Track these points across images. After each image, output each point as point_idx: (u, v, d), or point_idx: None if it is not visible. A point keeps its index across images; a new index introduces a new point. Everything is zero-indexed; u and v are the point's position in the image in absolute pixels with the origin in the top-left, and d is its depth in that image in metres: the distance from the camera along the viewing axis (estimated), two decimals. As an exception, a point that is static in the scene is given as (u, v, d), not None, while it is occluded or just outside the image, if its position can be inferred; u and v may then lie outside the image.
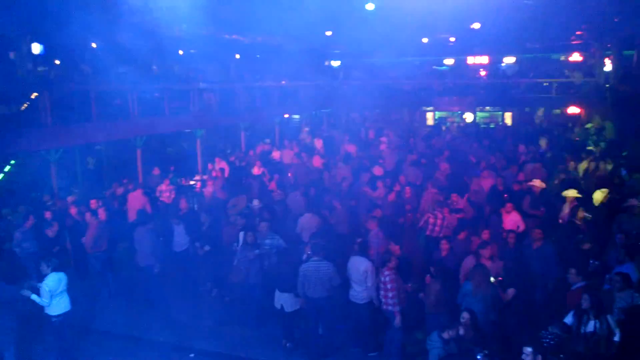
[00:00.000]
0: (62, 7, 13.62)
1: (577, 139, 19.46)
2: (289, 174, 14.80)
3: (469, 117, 25.88)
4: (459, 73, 28.91)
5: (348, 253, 8.32)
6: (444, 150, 17.01)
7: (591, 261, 8.20)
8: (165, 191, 13.44)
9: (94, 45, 18.31)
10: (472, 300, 7.08)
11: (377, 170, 14.25)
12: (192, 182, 15.54)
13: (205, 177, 15.18)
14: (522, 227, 9.84)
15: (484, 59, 29.24)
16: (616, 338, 6.14)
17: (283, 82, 23.52)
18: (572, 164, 14.18)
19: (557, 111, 23.89)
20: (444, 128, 24.12)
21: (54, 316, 7.47)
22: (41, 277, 7.46)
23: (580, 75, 22.51)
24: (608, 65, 22.39)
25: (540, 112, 24.97)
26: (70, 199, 11.95)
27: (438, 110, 27.05)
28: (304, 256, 8.15)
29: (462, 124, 24.92)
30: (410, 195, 11.90)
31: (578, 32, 23.71)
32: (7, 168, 15.09)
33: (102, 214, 10.24)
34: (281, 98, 22.29)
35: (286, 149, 18.02)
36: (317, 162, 16.13)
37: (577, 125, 21.79)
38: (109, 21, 15.09)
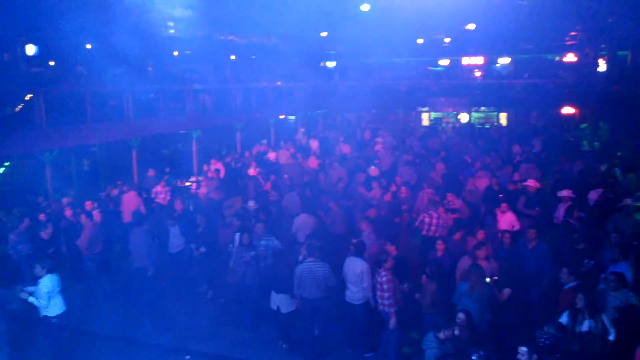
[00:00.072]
0: (57, 8, 13.60)
1: (571, 139, 19.55)
2: (285, 175, 14.79)
3: (464, 117, 25.94)
4: (454, 74, 28.99)
5: (344, 254, 8.31)
6: (439, 150, 17.04)
7: (586, 261, 8.23)
8: (160, 192, 13.41)
9: (88, 46, 18.27)
10: (467, 300, 7.09)
11: (373, 171, 14.27)
12: (187, 184, 15.51)
13: (201, 178, 15.15)
14: (517, 227, 9.87)
15: (479, 60, 29.34)
16: (611, 337, 6.17)
17: (278, 82, 23.52)
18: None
19: (552, 111, 23.97)
20: (440, 128, 24.18)
21: (53, 317, 7.46)
22: (35, 280, 7.43)
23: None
24: (602, 66, 22.50)
25: (534, 112, 25.06)
26: (65, 200, 11.90)
27: (433, 111, 27.10)
28: (300, 257, 8.15)
29: (457, 125, 24.98)
30: (406, 195, 11.92)
31: (572, 33, 23.86)
32: (1, 170, 15.03)
33: (97, 215, 10.21)
34: (277, 99, 22.27)
35: (282, 149, 18.01)
36: (312, 163, 16.13)
37: (572, 125, 21.91)
38: (104, 22, 15.07)
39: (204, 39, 20.78)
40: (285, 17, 17.32)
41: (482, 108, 26.46)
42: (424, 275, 7.64)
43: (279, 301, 8.04)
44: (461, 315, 6.37)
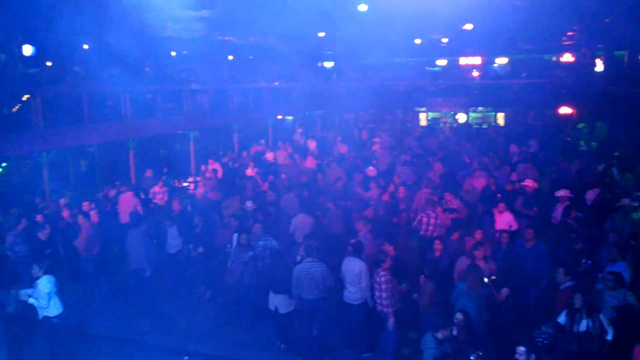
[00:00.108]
0: (54, 8, 13.57)
1: (569, 139, 19.59)
2: (282, 175, 14.78)
3: (461, 117, 25.96)
4: (452, 74, 29.02)
5: (342, 254, 8.31)
6: (437, 150, 17.06)
7: (583, 260, 8.25)
8: (158, 193, 13.39)
9: (85, 46, 18.24)
10: (465, 300, 7.10)
11: (371, 171, 14.28)
12: (185, 184, 15.49)
13: (199, 178, 15.13)
14: (514, 227, 9.88)
15: (476, 60, 29.37)
16: (609, 337, 6.18)
17: (276, 83, 23.51)
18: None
19: (550, 111, 24.01)
20: (438, 128, 24.21)
21: (54, 317, 7.47)
22: (32, 280, 7.42)
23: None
24: (599, 66, 22.55)
25: (532, 112, 25.11)
26: (62, 201, 11.88)
27: (431, 111, 27.11)
28: (298, 257, 8.14)
29: (455, 125, 25.01)
30: (404, 195, 11.93)
31: (570, 33, 23.89)
32: (-2, 170, 14.99)
33: (94, 216, 10.18)
34: (274, 99, 22.26)
35: (280, 149, 18.01)
36: (310, 163, 16.13)
37: (569, 125, 21.94)
38: (101, 22, 15.04)
39: (201, 39, 20.75)
40: (283, 18, 17.32)
41: (480, 108, 26.47)
42: (422, 276, 7.64)
43: (277, 301, 8.04)
44: (459, 316, 6.38)
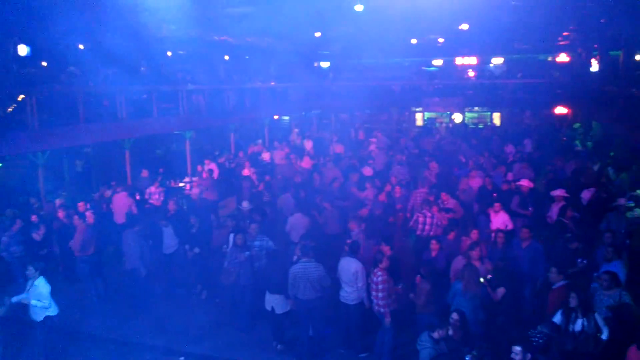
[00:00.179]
0: (49, 8, 13.51)
1: (564, 138, 19.64)
2: (278, 176, 14.79)
3: (457, 117, 26.01)
4: (448, 74, 29.06)
5: (338, 254, 8.31)
6: (433, 150, 17.09)
7: (579, 260, 8.28)
8: (154, 193, 13.38)
9: (81, 46, 18.17)
10: (461, 299, 7.11)
11: (367, 171, 14.29)
12: (181, 184, 15.47)
13: (195, 179, 15.12)
14: (510, 227, 9.90)
15: (472, 60, 29.42)
16: (604, 336, 6.19)
17: (272, 83, 23.49)
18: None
19: (545, 111, 24.09)
20: (434, 128, 24.26)
21: (55, 316, 7.53)
22: (27, 281, 7.40)
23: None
24: (595, 66, 22.61)
25: (528, 112, 25.18)
26: (58, 202, 11.85)
27: (427, 111, 27.15)
28: (294, 257, 8.14)
29: (451, 125, 25.06)
30: (400, 195, 11.95)
31: (565, 33, 23.94)
32: (-7, 171, 14.93)
33: (90, 217, 10.16)
34: (271, 99, 22.25)
35: (277, 150, 18.01)
36: (306, 163, 16.13)
37: (565, 125, 22.01)
38: (97, 22, 14.99)
39: (197, 39, 20.69)
40: (279, 17, 17.29)
41: (476, 108, 26.54)
42: (418, 275, 7.64)
43: (274, 302, 8.03)
44: (455, 315, 6.39)
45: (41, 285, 7.38)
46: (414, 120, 27.82)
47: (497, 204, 10.28)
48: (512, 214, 10.54)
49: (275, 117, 24.33)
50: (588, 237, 9.06)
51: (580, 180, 12.53)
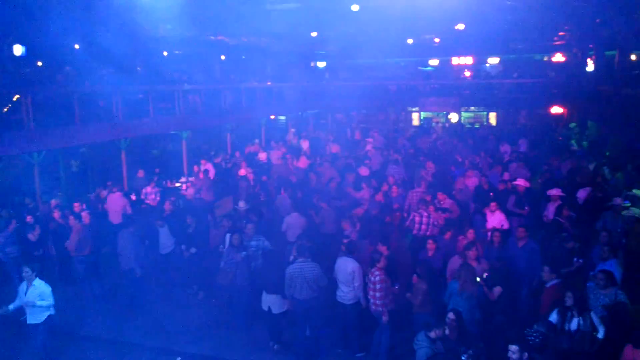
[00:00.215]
0: (44, 8, 13.47)
1: (560, 138, 19.71)
2: (274, 175, 14.78)
3: (454, 117, 26.07)
4: (444, 73, 29.14)
5: (335, 254, 8.30)
6: (428, 150, 17.12)
7: (575, 259, 8.30)
8: (150, 193, 13.35)
9: (76, 46, 18.13)
10: (458, 299, 7.12)
11: (363, 171, 14.30)
12: (177, 184, 15.44)
13: (191, 179, 15.10)
14: (506, 226, 9.92)
15: (468, 60, 29.50)
16: (600, 335, 6.21)
17: (269, 83, 23.49)
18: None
19: (541, 111, 24.17)
20: (430, 128, 24.31)
21: (54, 316, 7.52)
22: (24, 282, 7.38)
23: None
24: (590, 66, 22.70)
25: (523, 112, 25.28)
26: (53, 202, 11.80)
27: (423, 111, 27.21)
28: (291, 257, 8.13)
29: (447, 124, 25.11)
30: (397, 194, 11.95)
31: (561, 33, 24.04)
32: (-12, 171, 14.86)
33: (85, 217, 10.12)
34: (267, 99, 22.25)
35: (274, 150, 18.01)
36: (303, 163, 16.13)
37: (561, 124, 22.08)
38: (92, 22, 14.95)
39: (193, 39, 20.69)
40: (275, 17, 17.30)
41: (472, 108, 26.61)
42: (415, 275, 7.65)
43: (271, 302, 8.02)
44: (451, 315, 6.39)
45: (42, 285, 7.39)
46: (411, 120, 27.87)
47: (493, 204, 10.30)
48: (509, 214, 10.56)
49: (272, 117, 24.33)
50: (584, 237, 9.08)
51: (576, 180, 12.57)
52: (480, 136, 20.86)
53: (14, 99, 12.26)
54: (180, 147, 16.82)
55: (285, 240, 9.98)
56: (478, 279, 7.33)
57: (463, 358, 5.63)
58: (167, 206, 10.82)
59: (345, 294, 7.71)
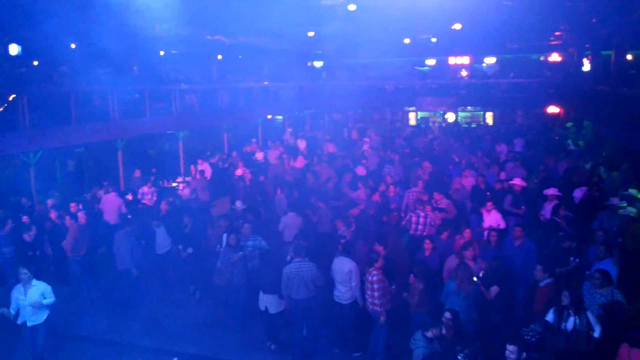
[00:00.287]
0: (40, 7, 13.43)
1: (557, 138, 19.74)
2: (270, 175, 14.77)
3: (450, 117, 26.10)
4: (441, 73, 29.17)
5: (332, 253, 8.30)
6: (426, 149, 17.13)
7: (571, 258, 8.32)
8: (147, 193, 13.32)
9: (72, 46, 18.08)
10: (455, 298, 7.12)
11: (360, 171, 14.30)
12: (174, 184, 15.42)
13: (188, 179, 15.08)
14: (502, 226, 9.94)
15: (465, 60, 29.53)
16: (596, 334, 6.22)
17: (265, 82, 23.48)
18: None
19: (538, 111, 24.22)
20: (427, 127, 24.33)
21: (50, 315, 7.53)
22: (20, 282, 7.36)
23: None
24: (586, 65, 22.75)
25: (520, 111, 25.33)
26: (50, 202, 11.77)
27: (420, 111, 27.23)
28: (288, 257, 8.13)
29: (444, 124, 25.14)
30: (394, 194, 11.96)
31: (557, 33, 24.09)
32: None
33: (82, 217, 10.09)
34: (264, 99, 22.23)
35: (271, 149, 18.00)
36: (300, 163, 16.12)
37: (557, 124, 22.12)
38: (88, 21, 14.91)
39: (190, 38, 20.65)
40: (272, 17, 17.29)
41: (469, 107, 26.65)
42: (412, 275, 7.65)
43: (267, 302, 8.01)
44: (447, 315, 6.40)
45: (41, 284, 7.40)
46: (408, 119, 27.90)
47: (489, 203, 10.31)
48: (505, 213, 10.58)
49: (269, 116, 24.32)
50: (580, 236, 9.10)
51: (573, 179, 12.60)
52: (477, 136, 20.88)
53: (10, 98, 12.22)
54: (177, 147, 16.80)
55: (282, 240, 9.98)
56: (475, 279, 7.34)
57: (459, 357, 5.64)
58: (164, 206, 10.80)
59: (343, 293, 7.71)
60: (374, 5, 17.50)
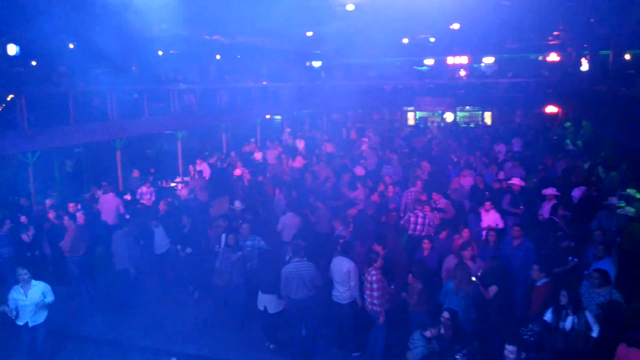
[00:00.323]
0: (38, 7, 13.40)
1: (555, 137, 19.77)
2: (268, 175, 14.77)
3: (449, 116, 26.12)
4: (439, 73, 29.18)
5: (330, 253, 8.31)
6: (422, 149, 17.13)
7: (570, 258, 8.33)
8: (145, 193, 13.32)
9: (71, 45, 18.04)
10: (454, 298, 7.13)
11: (359, 171, 14.30)
12: (173, 184, 15.41)
13: (187, 179, 15.07)
14: (500, 225, 9.95)
15: (463, 59, 29.55)
16: (594, 334, 6.23)
17: (264, 82, 23.47)
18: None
19: (536, 110, 24.24)
20: (426, 127, 24.35)
21: (49, 314, 7.53)
22: (20, 283, 7.35)
23: None
24: (585, 65, 22.78)
25: (519, 111, 25.36)
26: (48, 202, 11.76)
27: (419, 110, 27.25)
28: (287, 257, 8.13)
29: (442, 124, 25.16)
30: (393, 194, 11.96)
31: (555, 33, 24.11)
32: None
33: (80, 217, 10.09)
34: (263, 99, 22.22)
35: (270, 149, 18.00)
36: (299, 162, 16.12)
37: (556, 124, 22.15)
38: (87, 21, 14.89)
39: (188, 38, 20.63)
40: (271, 17, 17.28)
41: (467, 107, 26.67)
42: (411, 275, 7.66)
43: (266, 301, 8.01)
44: (445, 314, 6.41)
45: (40, 284, 7.41)
46: (406, 119, 27.91)
47: (487, 203, 10.32)
48: (504, 213, 10.59)
49: (267, 116, 24.30)
50: (579, 236, 9.12)
51: (571, 179, 12.61)
52: (475, 136, 20.89)
53: (8, 98, 12.20)
54: (176, 147, 16.79)
55: (281, 240, 9.98)
56: (473, 278, 7.35)
57: (458, 357, 5.64)
58: (162, 206, 10.79)
59: (341, 293, 7.72)
60: (372, 5, 17.50)
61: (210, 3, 16.36)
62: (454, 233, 9.20)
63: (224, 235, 8.96)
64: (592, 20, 19.20)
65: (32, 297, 7.25)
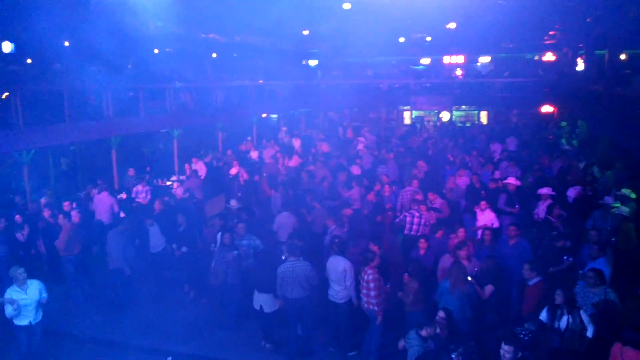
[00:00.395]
0: (34, 5, 13.35)
1: (551, 137, 19.81)
2: (264, 174, 14.75)
3: (445, 116, 26.15)
4: (436, 72, 29.22)
5: (326, 252, 8.30)
6: (421, 149, 17.13)
7: (565, 257, 8.34)
8: (141, 192, 13.27)
9: (66, 44, 17.98)
10: (449, 297, 7.14)
11: (355, 170, 14.30)
12: (168, 183, 15.37)
13: (182, 177, 15.03)
14: (496, 225, 9.97)
15: (459, 59, 29.60)
16: (589, 333, 6.25)
17: (260, 81, 23.44)
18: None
19: (532, 110, 24.29)
20: (422, 127, 24.37)
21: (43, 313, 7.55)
22: (17, 282, 7.32)
23: None
24: (580, 65, 22.84)
25: (514, 111, 25.39)
26: (43, 201, 11.71)
27: (415, 110, 27.27)
28: (283, 257, 8.12)
29: (438, 123, 25.19)
30: (390, 193, 11.96)
31: (551, 32, 24.17)
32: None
33: (75, 216, 10.04)
34: (259, 97, 22.19)
35: (267, 148, 17.97)
36: (295, 162, 16.10)
37: (551, 123, 22.20)
38: (82, 19, 14.84)
39: (184, 36, 20.59)
40: (267, 15, 17.25)
41: (463, 106, 26.70)
42: (407, 274, 7.66)
43: (262, 301, 8.00)
44: (441, 314, 6.41)
45: (35, 282, 7.41)
46: (402, 118, 27.93)
47: (483, 202, 10.34)
48: (499, 212, 10.61)
49: (264, 115, 24.28)
50: (574, 235, 9.14)
51: (567, 179, 12.64)
52: (471, 135, 20.93)
53: (3, 96, 12.14)
54: (171, 145, 16.74)
55: (277, 240, 9.97)
56: (469, 278, 7.36)
57: (453, 356, 5.65)
58: (158, 205, 10.75)
59: (337, 292, 7.71)
60: (368, 4, 17.50)
61: (206, 1, 16.33)
62: (450, 232, 9.22)
63: (219, 235, 8.93)
64: (588, 20, 19.25)
65: (33, 295, 7.26)
